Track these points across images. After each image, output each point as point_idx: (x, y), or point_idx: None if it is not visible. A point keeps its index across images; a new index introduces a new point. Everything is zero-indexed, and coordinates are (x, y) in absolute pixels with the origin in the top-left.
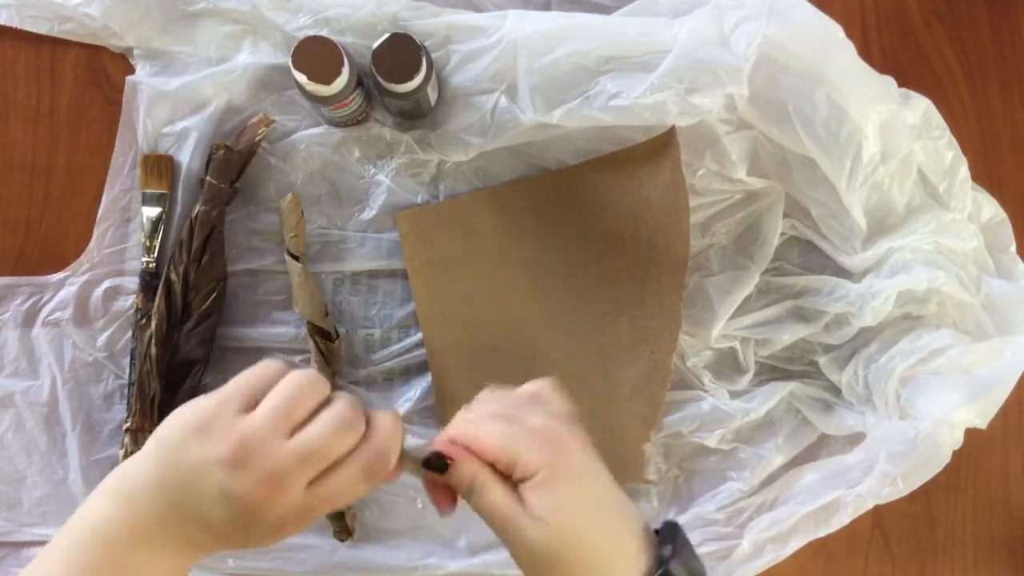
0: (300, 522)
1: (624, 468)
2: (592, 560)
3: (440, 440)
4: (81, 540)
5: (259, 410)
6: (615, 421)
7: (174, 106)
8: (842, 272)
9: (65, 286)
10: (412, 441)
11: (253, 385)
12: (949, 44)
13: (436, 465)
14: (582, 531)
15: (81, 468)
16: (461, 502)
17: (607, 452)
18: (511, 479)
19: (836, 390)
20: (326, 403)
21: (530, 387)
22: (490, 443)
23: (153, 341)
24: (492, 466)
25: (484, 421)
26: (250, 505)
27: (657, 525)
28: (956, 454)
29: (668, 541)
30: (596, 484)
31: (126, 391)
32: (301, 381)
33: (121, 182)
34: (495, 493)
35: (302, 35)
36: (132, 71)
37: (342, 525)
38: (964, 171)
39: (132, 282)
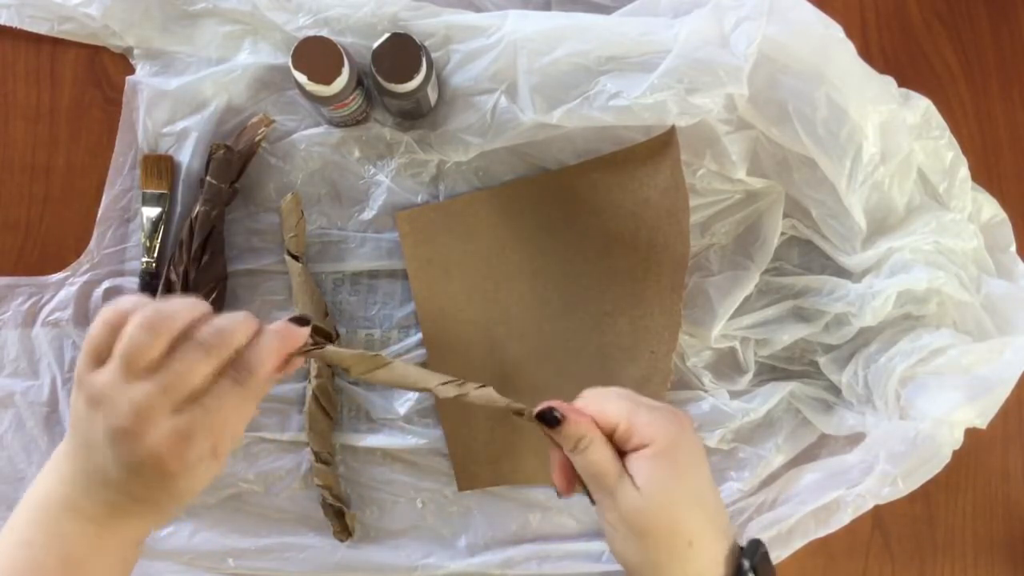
0: (184, 453)
1: None
2: (679, 544)
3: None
4: (27, 515)
5: (108, 362)
6: None
7: (174, 106)
8: (842, 272)
9: (65, 286)
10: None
11: (95, 341)
12: (949, 44)
13: (549, 418)
14: (678, 513)
15: None
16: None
17: None
18: (620, 449)
19: (836, 390)
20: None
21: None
22: (611, 409)
23: None
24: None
25: (607, 396)
26: (124, 443)
27: (742, 541)
28: (956, 454)
29: (749, 556)
30: (701, 474)
31: None
32: (137, 332)
33: (121, 182)
34: (602, 452)
35: (302, 35)
36: (132, 71)
37: (342, 525)
38: (964, 171)
39: (132, 282)
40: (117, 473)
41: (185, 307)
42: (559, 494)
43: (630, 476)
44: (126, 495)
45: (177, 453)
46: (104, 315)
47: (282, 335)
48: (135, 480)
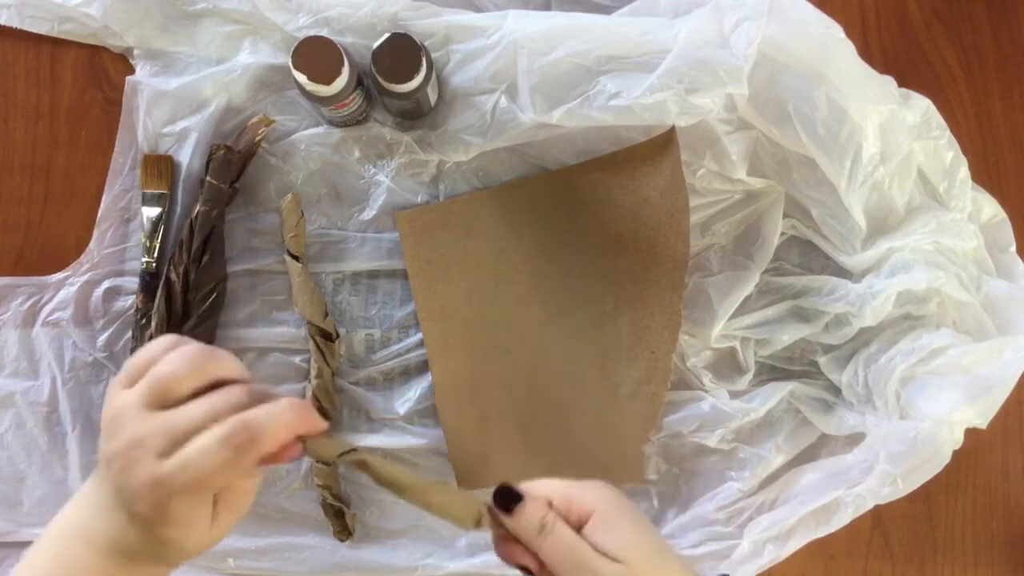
0: (161, 502)
1: (624, 468)
2: None
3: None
4: (56, 536)
5: (135, 387)
6: (615, 421)
7: (174, 106)
8: (842, 272)
9: (65, 286)
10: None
11: (134, 364)
12: (949, 44)
13: (506, 498)
14: (660, 565)
15: (81, 468)
16: None
17: (607, 452)
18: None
19: (836, 390)
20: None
21: None
22: (545, 487)
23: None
24: None
25: (533, 484)
26: (116, 471)
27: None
28: (956, 454)
29: None
30: (650, 526)
31: None
32: (175, 359)
33: (121, 182)
34: (568, 531)
35: (302, 35)
36: (132, 71)
37: (342, 525)
38: (964, 171)
39: (132, 282)
40: (115, 505)
41: (232, 363)
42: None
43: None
44: (127, 531)
45: (153, 500)
46: (161, 340)
47: (300, 414)
48: (129, 516)
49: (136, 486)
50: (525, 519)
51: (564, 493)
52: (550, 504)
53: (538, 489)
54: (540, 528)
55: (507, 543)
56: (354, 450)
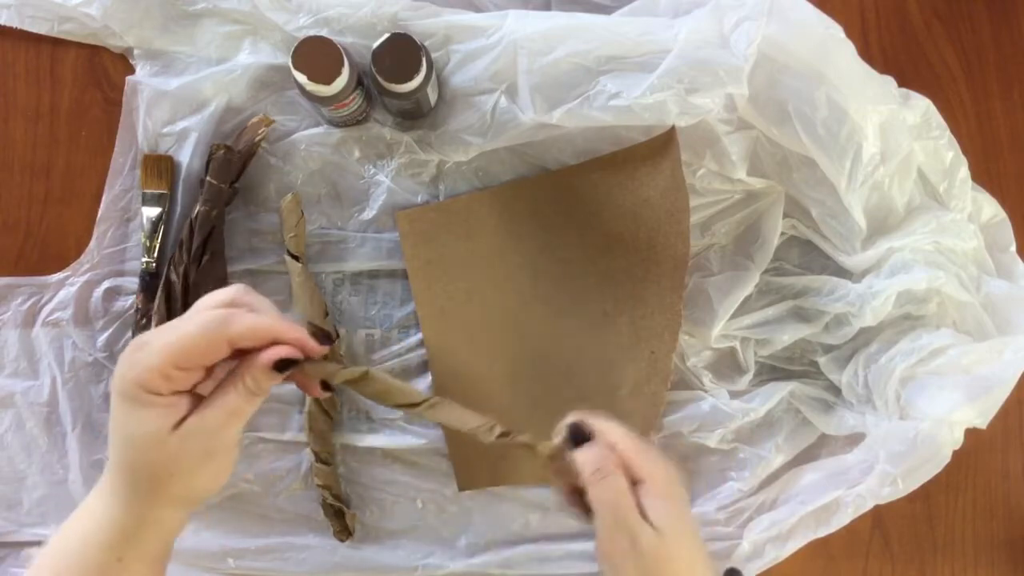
0: (149, 372)
1: None
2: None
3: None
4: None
5: None
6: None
7: (174, 106)
8: (842, 272)
9: (65, 286)
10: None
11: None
12: (949, 44)
13: (578, 434)
14: (693, 554)
15: (81, 468)
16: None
17: None
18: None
19: (836, 390)
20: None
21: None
22: (620, 439)
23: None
24: None
25: (602, 420)
26: (119, 369)
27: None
28: (956, 454)
29: None
30: (691, 513)
31: None
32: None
33: (121, 182)
34: (623, 484)
35: (302, 35)
36: (132, 71)
37: (342, 525)
38: (964, 171)
39: (132, 282)
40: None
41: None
42: (575, 517)
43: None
44: (132, 483)
45: (141, 366)
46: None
47: (285, 326)
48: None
49: (127, 360)
50: (590, 458)
51: (638, 453)
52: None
53: (609, 433)
54: (598, 470)
55: (568, 492)
56: (361, 372)
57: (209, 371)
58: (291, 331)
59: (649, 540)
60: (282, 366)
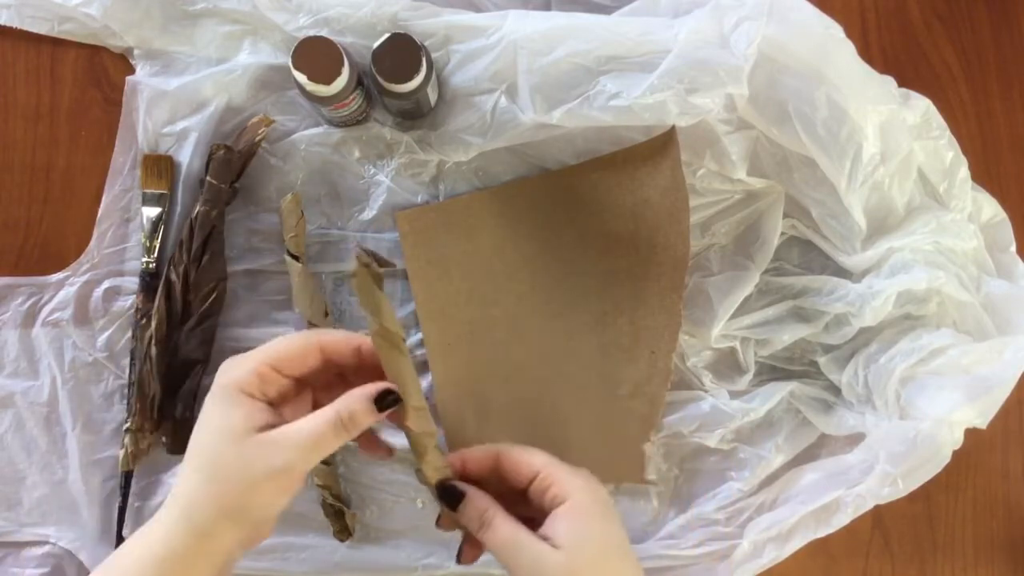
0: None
1: (624, 468)
2: None
3: (467, 456)
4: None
5: None
6: (615, 421)
7: (174, 106)
8: (842, 272)
9: (65, 286)
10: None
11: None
12: (949, 44)
13: (450, 495)
14: (612, 564)
15: (81, 468)
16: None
17: (607, 452)
18: (534, 508)
19: (836, 390)
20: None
21: None
22: (534, 459)
23: (153, 341)
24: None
25: (524, 447)
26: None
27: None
28: (956, 454)
29: None
30: (622, 534)
31: (126, 391)
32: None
33: (121, 182)
34: (508, 522)
35: (302, 35)
36: (132, 71)
37: (342, 525)
38: (964, 171)
39: (132, 282)
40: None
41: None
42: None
43: (547, 539)
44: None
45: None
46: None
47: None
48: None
49: (223, 368)
50: (467, 516)
51: (552, 473)
52: (531, 479)
53: (526, 457)
54: (480, 523)
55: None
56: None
57: (302, 386)
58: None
59: (550, 559)
60: (381, 402)
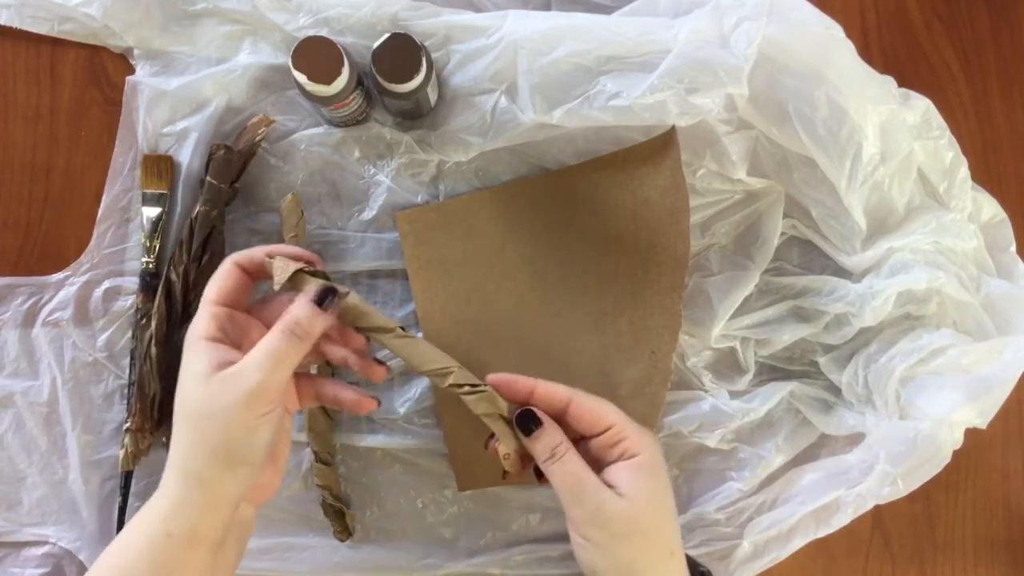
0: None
1: None
2: (662, 552)
3: (541, 390)
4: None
5: None
6: None
7: (174, 106)
8: (842, 272)
9: (65, 286)
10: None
11: None
12: (949, 44)
13: (527, 422)
14: (664, 521)
15: (81, 468)
16: None
17: None
18: (600, 457)
19: (836, 390)
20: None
21: None
22: (609, 412)
23: (153, 341)
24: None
25: (601, 399)
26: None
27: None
28: (956, 454)
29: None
30: (672, 496)
31: (126, 391)
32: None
33: (121, 182)
34: (578, 462)
35: (302, 35)
36: (132, 71)
37: (342, 525)
38: (964, 171)
39: (132, 282)
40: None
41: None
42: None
43: (611, 487)
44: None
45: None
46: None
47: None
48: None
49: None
50: (540, 444)
51: (623, 428)
52: (605, 429)
53: (601, 412)
54: (551, 455)
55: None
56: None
57: (246, 311)
58: (283, 247)
59: (614, 505)
60: (322, 301)
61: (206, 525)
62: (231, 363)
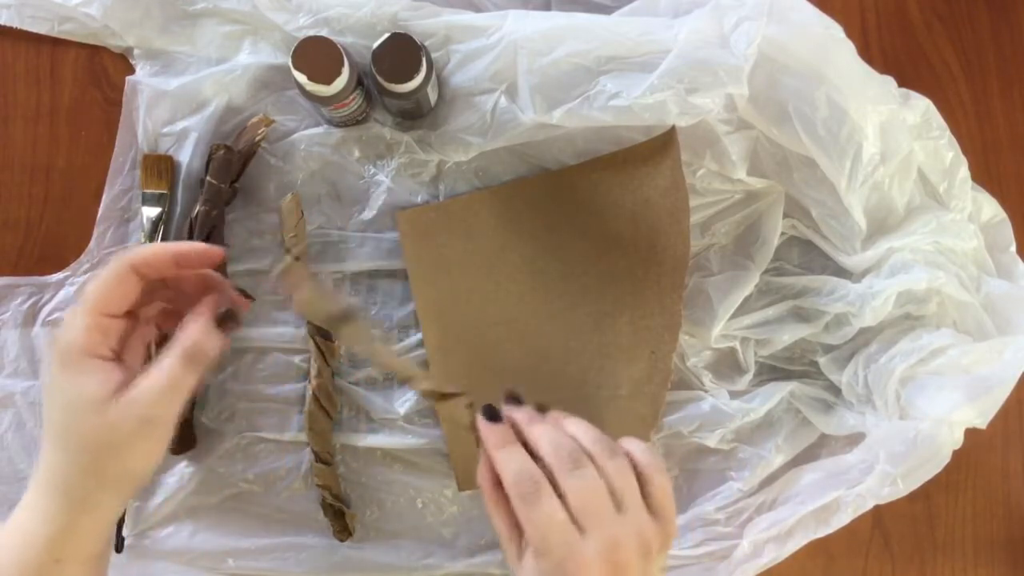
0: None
1: None
2: None
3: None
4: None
5: None
6: (615, 421)
7: (174, 106)
8: (842, 272)
9: (65, 286)
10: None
11: None
12: (949, 44)
13: (489, 413)
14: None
15: None
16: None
17: None
18: None
19: (836, 390)
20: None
21: (634, 447)
22: (640, 452)
23: (153, 341)
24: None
25: (538, 425)
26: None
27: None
28: (956, 454)
29: None
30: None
31: None
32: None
33: (121, 182)
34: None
35: (302, 35)
36: (132, 71)
37: (342, 525)
38: (964, 171)
39: None
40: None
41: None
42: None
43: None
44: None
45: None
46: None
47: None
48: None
49: (61, 328)
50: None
51: (647, 461)
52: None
53: (635, 448)
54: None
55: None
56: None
57: (135, 320)
58: (190, 247)
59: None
60: (223, 324)
61: (95, 544)
62: (124, 384)
